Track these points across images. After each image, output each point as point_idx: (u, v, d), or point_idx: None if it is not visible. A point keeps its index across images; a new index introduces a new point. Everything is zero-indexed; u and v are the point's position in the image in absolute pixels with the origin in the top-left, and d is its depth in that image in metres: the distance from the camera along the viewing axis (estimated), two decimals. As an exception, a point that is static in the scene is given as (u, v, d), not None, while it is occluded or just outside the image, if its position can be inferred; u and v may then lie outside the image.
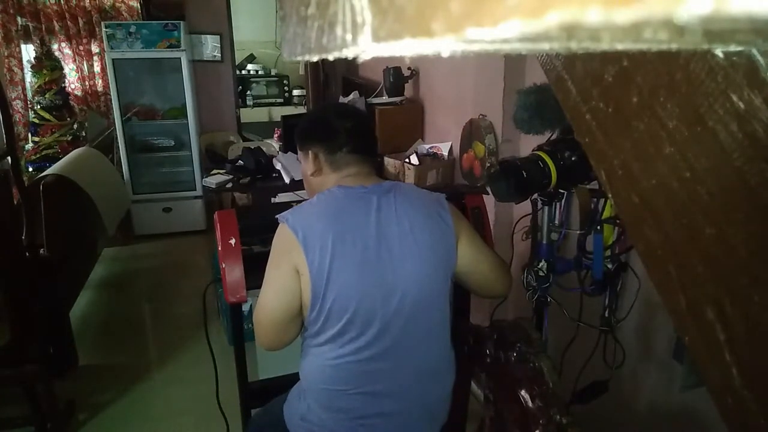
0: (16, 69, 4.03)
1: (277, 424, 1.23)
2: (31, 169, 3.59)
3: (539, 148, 1.35)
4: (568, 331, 1.57)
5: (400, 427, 1.17)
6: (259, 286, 1.42)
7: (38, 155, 3.68)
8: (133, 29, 3.79)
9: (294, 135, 1.29)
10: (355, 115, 1.26)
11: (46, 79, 3.69)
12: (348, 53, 0.21)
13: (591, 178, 1.35)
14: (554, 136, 1.42)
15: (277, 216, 1.15)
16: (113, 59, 3.79)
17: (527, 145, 1.92)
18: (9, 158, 2.01)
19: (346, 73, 3.86)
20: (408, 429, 1.19)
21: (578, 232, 1.45)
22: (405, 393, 1.15)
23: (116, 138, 4.01)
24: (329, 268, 1.07)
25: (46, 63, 3.70)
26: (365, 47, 0.20)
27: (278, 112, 5.04)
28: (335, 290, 1.07)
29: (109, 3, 4.21)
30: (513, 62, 1.92)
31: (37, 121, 3.74)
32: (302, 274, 1.09)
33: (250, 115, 5.23)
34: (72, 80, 4.22)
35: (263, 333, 1.15)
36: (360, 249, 1.10)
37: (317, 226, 1.10)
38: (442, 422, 1.27)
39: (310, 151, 1.22)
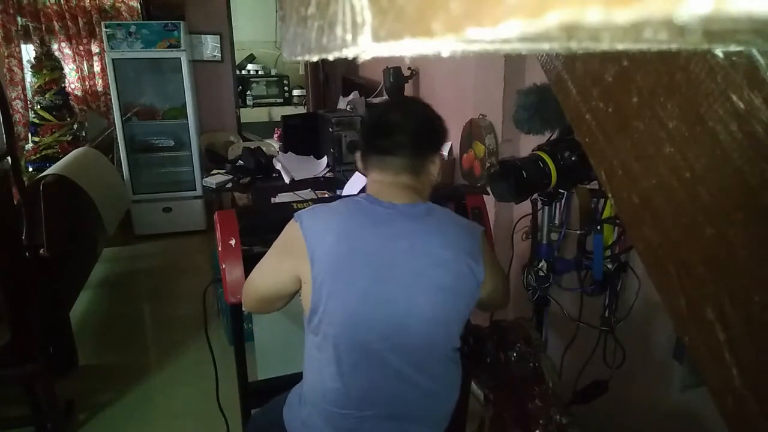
0: (16, 69, 4.03)
1: (276, 425, 1.22)
2: (31, 169, 3.59)
3: (539, 148, 1.35)
4: (568, 331, 1.57)
5: None
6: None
7: (38, 155, 3.68)
8: (133, 29, 3.79)
9: None
10: (407, 114, 1.09)
11: (46, 79, 3.69)
12: (348, 53, 0.21)
13: (591, 178, 1.35)
14: (554, 136, 1.42)
15: (294, 213, 1.09)
16: (113, 59, 3.79)
17: (527, 145, 1.91)
18: (9, 158, 2.01)
19: (346, 73, 3.86)
20: None
21: (578, 232, 1.45)
22: (407, 416, 1.11)
23: (116, 138, 4.01)
24: (331, 291, 1.01)
25: (46, 63, 3.70)
26: (365, 47, 0.20)
27: (278, 112, 5.04)
28: (335, 315, 1.02)
29: (109, 3, 4.21)
30: (513, 62, 1.92)
31: (37, 121, 3.74)
32: (305, 283, 1.05)
33: (250, 115, 5.23)
34: (72, 80, 4.22)
35: (248, 302, 1.19)
36: (370, 275, 1.02)
37: (329, 240, 1.03)
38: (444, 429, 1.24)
39: (358, 149, 1.16)
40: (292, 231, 1.08)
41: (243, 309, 1.26)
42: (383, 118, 1.09)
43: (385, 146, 1.07)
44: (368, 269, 1.03)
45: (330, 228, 1.05)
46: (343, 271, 1.02)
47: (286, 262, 1.08)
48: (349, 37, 0.20)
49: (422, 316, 1.05)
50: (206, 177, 2.92)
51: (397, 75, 2.73)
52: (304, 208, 1.17)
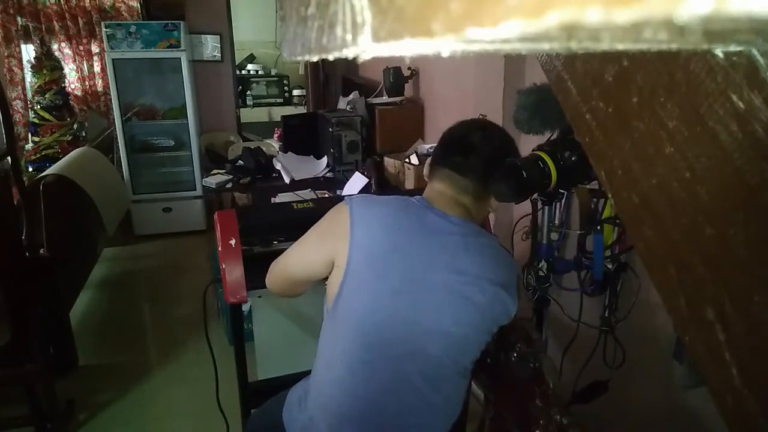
0: (16, 69, 4.03)
1: (275, 427, 1.22)
2: (31, 169, 3.59)
3: (539, 148, 1.35)
4: (568, 331, 1.57)
5: None
6: (259, 287, 1.42)
7: (38, 155, 3.68)
8: (133, 29, 3.80)
9: None
10: (490, 140, 1.09)
11: (46, 79, 3.69)
12: (348, 53, 0.21)
13: (591, 178, 1.35)
14: (554, 136, 1.42)
15: (345, 196, 1.08)
16: (113, 59, 3.79)
17: (527, 145, 1.91)
18: (9, 158, 2.01)
19: (346, 73, 3.86)
20: None
21: (578, 232, 1.45)
22: (407, 426, 1.10)
23: (116, 138, 4.01)
24: (361, 280, 1.01)
25: (46, 63, 3.70)
26: (365, 47, 0.20)
27: (278, 112, 5.04)
28: (360, 305, 1.02)
29: (109, 3, 4.21)
30: (513, 62, 1.92)
31: (37, 121, 3.74)
32: (337, 267, 1.04)
33: (250, 115, 5.23)
34: (72, 80, 4.22)
35: (274, 282, 1.19)
36: (403, 277, 1.01)
37: (375, 230, 1.02)
38: None
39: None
40: (339, 212, 1.06)
41: (267, 287, 1.23)
42: (466, 137, 1.10)
43: (459, 164, 1.08)
44: (404, 269, 1.01)
45: (378, 219, 1.04)
46: (379, 264, 1.01)
47: (326, 243, 1.07)
48: (349, 37, 0.20)
49: (445, 331, 1.03)
50: (206, 177, 2.92)
51: (397, 75, 2.73)
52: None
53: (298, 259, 1.13)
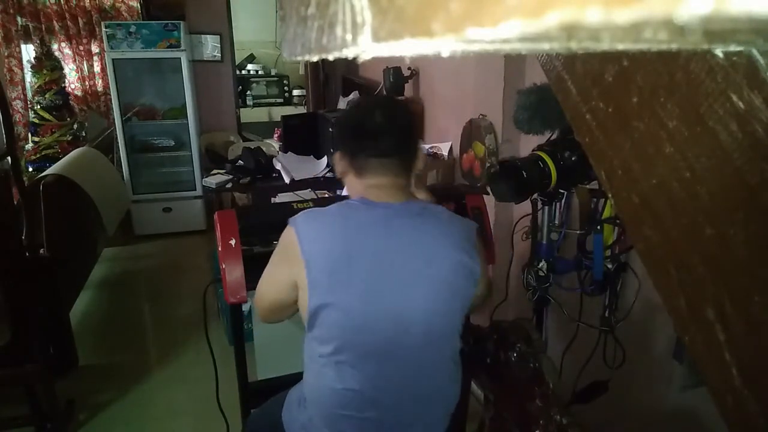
0: (16, 69, 4.03)
1: (275, 427, 1.22)
2: (31, 169, 3.59)
3: (539, 148, 1.35)
4: (568, 331, 1.57)
5: None
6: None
7: (38, 155, 3.68)
8: (133, 29, 3.79)
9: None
10: (387, 113, 1.08)
11: (46, 79, 3.69)
12: (348, 53, 0.21)
13: (591, 178, 1.35)
14: (554, 136, 1.42)
15: (288, 219, 1.08)
16: (113, 59, 3.79)
17: (527, 145, 1.91)
18: (9, 158, 2.01)
19: (346, 73, 3.86)
20: None
21: (578, 232, 1.45)
22: (407, 418, 1.11)
23: (116, 138, 4.01)
24: (331, 296, 1.01)
25: (46, 63, 3.70)
26: (365, 47, 0.20)
27: (278, 112, 5.04)
28: (335, 317, 1.02)
29: (109, 3, 4.21)
30: (513, 62, 1.92)
31: (37, 121, 3.74)
32: (301, 289, 1.05)
33: (250, 115, 5.23)
34: (72, 80, 4.22)
35: (259, 312, 1.19)
36: (368, 277, 1.02)
37: (326, 246, 1.03)
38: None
39: (338, 151, 1.13)
40: (287, 236, 1.07)
41: (261, 320, 1.26)
42: (367, 120, 1.08)
43: (381, 148, 1.06)
44: (366, 270, 1.02)
45: (326, 232, 1.04)
46: (341, 274, 1.02)
47: (283, 270, 1.08)
48: (349, 37, 0.20)
49: (422, 313, 1.05)
50: (206, 177, 2.92)
51: (397, 75, 2.73)
52: (304, 208, 1.16)
53: (267, 288, 1.14)
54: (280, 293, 1.11)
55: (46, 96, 3.69)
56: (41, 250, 2.25)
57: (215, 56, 4.46)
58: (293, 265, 1.04)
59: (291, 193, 2.58)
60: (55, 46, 4.07)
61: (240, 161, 2.96)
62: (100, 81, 4.33)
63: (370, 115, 1.08)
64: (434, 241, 1.06)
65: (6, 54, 3.96)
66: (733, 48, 0.35)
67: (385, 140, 1.06)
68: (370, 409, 1.08)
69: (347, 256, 1.02)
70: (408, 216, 1.06)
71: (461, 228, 1.13)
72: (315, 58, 0.24)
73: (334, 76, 4.21)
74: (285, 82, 5.52)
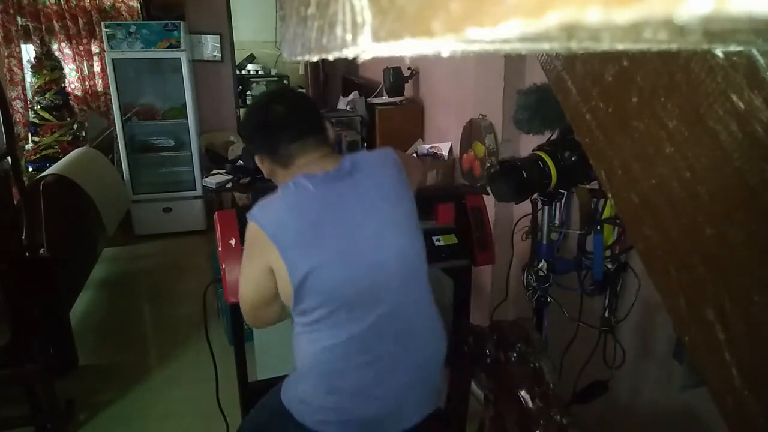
0: (16, 69, 4.03)
1: (277, 413, 1.22)
2: (31, 169, 3.59)
3: (539, 148, 1.35)
4: (568, 331, 1.57)
5: (398, 398, 1.17)
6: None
7: (38, 155, 3.68)
8: (133, 29, 3.79)
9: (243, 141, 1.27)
10: (282, 102, 1.17)
11: (46, 79, 3.69)
12: (348, 53, 0.21)
13: (591, 178, 1.35)
14: (554, 136, 1.42)
15: (246, 214, 1.13)
16: (113, 59, 3.79)
17: (527, 145, 1.92)
18: (9, 158, 2.01)
19: (346, 73, 3.87)
20: (405, 398, 1.18)
21: (578, 232, 1.45)
22: (401, 360, 1.16)
23: (116, 138, 4.01)
24: (310, 264, 1.05)
25: (46, 63, 3.70)
26: (365, 47, 0.20)
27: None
28: (319, 285, 1.07)
29: (109, 3, 4.21)
30: (513, 62, 1.92)
31: (37, 121, 3.74)
32: (278, 271, 1.08)
33: (250, 115, 5.22)
34: (72, 80, 4.22)
35: (246, 315, 1.21)
36: (338, 236, 1.09)
37: (290, 223, 1.08)
38: (439, 393, 1.26)
39: (256, 157, 1.21)
40: (251, 231, 1.12)
41: (250, 325, 1.28)
42: (275, 113, 1.16)
43: (297, 131, 1.14)
44: (334, 230, 1.09)
45: (283, 213, 1.10)
46: (312, 242, 1.07)
47: (256, 261, 1.11)
48: (349, 37, 0.20)
49: (394, 253, 1.13)
50: (206, 177, 2.92)
51: (397, 75, 2.74)
52: None
53: (246, 287, 1.16)
54: (259, 286, 1.13)
55: (46, 96, 3.69)
56: (41, 250, 2.25)
57: (215, 56, 4.46)
58: (264, 253, 1.08)
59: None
60: (55, 46, 4.08)
61: (240, 161, 2.95)
62: (100, 81, 4.33)
63: (271, 110, 1.16)
64: (377, 183, 1.16)
65: (6, 54, 3.96)
66: (733, 48, 0.35)
67: (296, 123, 1.16)
68: (363, 353, 1.12)
69: (311, 225, 1.08)
70: (346, 176, 1.14)
71: (383, 157, 1.23)
72: (315, 58, 0.24)
73: (334, 76, 4.21)
74: (285, 82, 5.52)
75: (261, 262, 1.10)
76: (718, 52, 0.38)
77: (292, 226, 1.08)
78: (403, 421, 1.19)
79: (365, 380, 1.13)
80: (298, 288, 1.07)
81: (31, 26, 4.05)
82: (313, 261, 1.06)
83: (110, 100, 4.02)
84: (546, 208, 1.45)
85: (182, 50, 3.89)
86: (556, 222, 1.48)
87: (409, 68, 2.79)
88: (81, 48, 4.23)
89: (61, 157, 3.21)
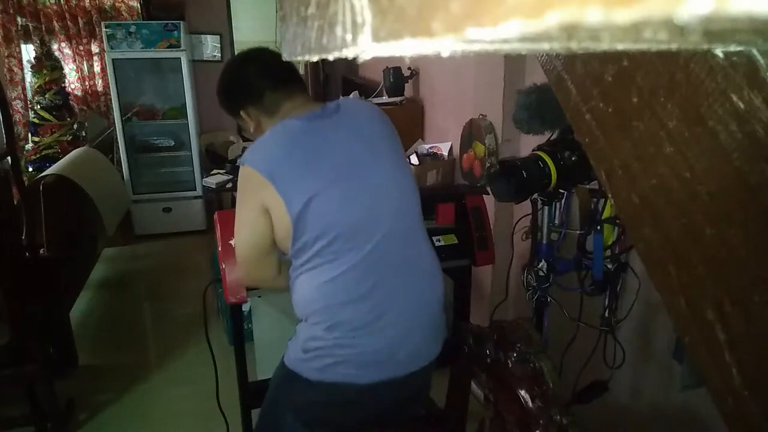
0: (16, 69, 4.03)
1: (284, 380, 1.20)
2: (31, 169, 3.59)
3: (539, 148, 1.35)
4: (568, 331, 1.57)
5: (400, 335, 1.14)
6: (259, 288, 1.41)
7: (38, 155, 3.68)
8: (133, 29, 3.79)
9: (221, 105, 1.29)
10: (257, 55, 1.24)
11: (46, 79, 3.69)
12: (348, 53, 0.21)
13: (591, 178, 1.35)
14: (554, 136, 1.42)
15: (238, 161, 1.15)
16: (113, 59, 3.79)
17: (527, 145, 1.91)
18: (9, 158, 2.01)
19: (346, 73, 3.86)
20: (408, 337, 1.15)
21: (578, 232, 1.45)
22: (400, 293, 1.14)
23: (116, 138, 4.01)
24: (307, 194, 1.06)
25: (46, 63, 3.70)
26: (365, 47, 0.20)
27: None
28: (318, 215, 1.07)
29: (109, 3, 4.21)
30: (513, 62, 1.92)
31: (37, 121, 3.74)
32: (274, 209, 1.08)
33: (250, 115, 5.22)
34: (72, 80, 4.22)
35: (240, 267, 1.20)
36: (331, 168, 1.10)
37: (282, 157, 1.09)
38: (441, 336, 1.24)
39: (241, 112, 1.23)
40: (243, 172, 1.12)
41: (247, 285, 1.26)
42: (254, 64, 1.21)
43: (281, 78, 1.19)
44: (328, 161, 1.10)
45: (275, 150, 1.11)
46: (306, 173, 1.08)
47: (250, 202, 1.11)
48: (349, 37, 0.20)
49: (392, 181, 1.15)
50: (206, 177, 2.92)
51: (397, 75, 2.73)
52: None
53: (242, 231, 1.15)
54: (255, 229, 1.12)
55: (46, 96, 3.69)
56: (41, 250, 2.25)
57: (215, 56, 4.46)
58: (258, 190, 1.08)
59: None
60: (55, 46, 4.07)
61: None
62: (100, 81, 4.33)
63: (251, 62, 1.22)
64: (364, 121, 1.19)
65: (6, 54, 3.96)
66: (733, 48, 0.35)
67: (276, 70, 1.19)
68: (362, 283, 1.10)
69: (303, 157, 1.09)
70: (331, 114, 1.16)
71: (370, 105, 1.30)
72: (315, 58, 0.24)
73: (334, 76, 4.21)
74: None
75: (256, 202, 1.09)
76: (718, 52, 0.38)
77: (285, 160, 1.09)
78: (407, 361, 1.16)
79: (364, 313, 1.11)
80: (297, 221, 1.07)
81: (31, 26, 4.05)
82: (310, 190, 1.06)
83: (110, 100, 4.02)
84: (546, 208, 1.45)
85: (182, 50, 3.88)
86: (556, 222, 1.48)
87: (409, 68, 2.79)
88: (81, 48, 4.22)
89: (61, 157, 3.21)
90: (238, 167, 1.15)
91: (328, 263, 1.10)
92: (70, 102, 4.00)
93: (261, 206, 1.09)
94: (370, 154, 1.15)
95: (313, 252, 1.10)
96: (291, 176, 1.07)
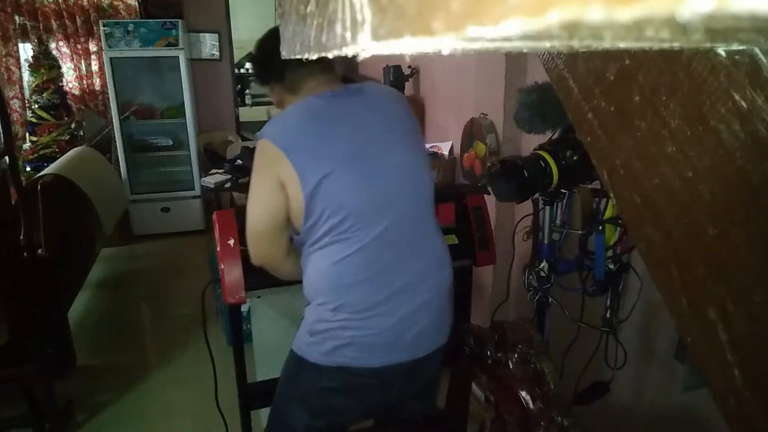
0: (13, 68, 4.02)
1: (293, 365, 1.20)
2: (28, 169, 3.58)
3: (541, 147, 1.35)
4: (570, 332, 1.56)
5: (406, 320, 1.14)
6: (258, 287, 1.41)
7: (36, 155, 3.67)
8: (131, 28, 3.79)
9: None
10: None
11: (44, 78, 3.68)
12: (347, 51, 0.21)
13: (593, 177, 1.35)
14: (556, 136, 1.42)
15: (256, 134, 1.15)
16: (111, 58, 3.78)
17: (528, 144, 1.91)
18: (7, 158, 2.01)
19: (346, 71, 3.85)
20: (413, 322, 1.15)
21: (580, 232, 1.45)
22: (408, 276, 1.14)
23: (114, 137, 4.00)
24: (322, 171, 1.07)
25: (44, 62, 3.70)
26: (365, 45, 0.19)
27: (277, 111, 5.03)
28: (330, 193, 1.08)
29: (107, 1, 4.20)
30: (514, 61, 1.91)
31: (34, 120, 3.73)
32: (290, 184, 1.08)
33: (248, 114, 5.23)
34: (70, 79, 4.21)
35: (251, 243, 1.18)
36: (348, 147, 1.10)
37: (300, 132, 1.10)
38: (446, 327, 1.24)
39: (268, 86, 1.26)
40: (261, 146, 1.13)
41: (254, 262, 1.25)
42: (278, 42, 1.23)
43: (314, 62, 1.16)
44: (344, 139, 1.11)
45: (293, 124, 1.13)
46: (322, 148, 1.08)
47: (266, 175, 1.12)
48: (348, 35, 0.20)
49: (401, 165, 1.15)
50: (205, 176, 2.91)
51: (398, 73, 2.73)
52: None
53: (257, 204, 1.15)
54: (269, 203, 1.12)
55: (44, 95, 3.69)
56: (39, 250, 2.25)
57: (214, 55, 4.45)
58: (275, 165, 1.09)
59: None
60: (52, 45, 4.07)
61: (239, 160, 2.95)
62: (98, 80, 4.32)
63: (273, 39, 1.18)
64: (384, 104, 1.20)
65: (3, 53, 3.95)
66: (736, 47, 0.35)
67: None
68: (371, 263, 1.11)
69: (321, 133, 1.10)
70: (353, 93, 1.18)
71: (391, 90, 1.33)
72: (314, 57, 0.24)
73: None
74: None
75: (272, 176, 1.10)
76: (721, 50, 0.38)
77: (303, 135, 1.10)
78: (412, 346, 1.16)
79: (372, 294, 1.11)
80: (310, 198, 1.07)
81: (28, 25, 4.05)
82: (324, 168, 1.07)
83: (108, 99, 4.02)
84: (547, 207, 1.44)
85: (180, 49, 3.88)
86: (558, 222, 1.48)
87: (409, 67, 2.79)
88: (79, 47, 4.22)
89: (59, 157, 3.20)
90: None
91: (338, 243, 1.10)
92: (68, 101, 4.00)
93: (277, 180, 1.09)
94: (389, 136, 1.16)
95: (323, 231, 1.10)
96: (307, 152, 1.08)
